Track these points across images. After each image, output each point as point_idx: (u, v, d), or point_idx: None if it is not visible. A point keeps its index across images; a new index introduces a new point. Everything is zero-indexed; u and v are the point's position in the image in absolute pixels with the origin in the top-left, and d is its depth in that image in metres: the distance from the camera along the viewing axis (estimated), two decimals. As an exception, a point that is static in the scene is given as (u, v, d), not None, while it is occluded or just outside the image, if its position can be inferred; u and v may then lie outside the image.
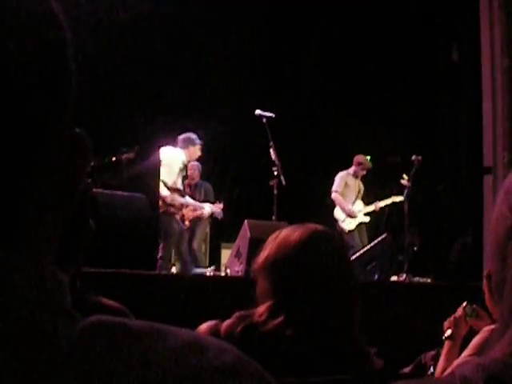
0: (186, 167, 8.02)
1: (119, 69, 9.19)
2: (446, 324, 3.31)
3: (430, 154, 9.77)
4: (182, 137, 7.94)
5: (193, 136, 8.00)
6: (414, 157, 8.33)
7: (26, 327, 0.51)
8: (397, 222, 9.18)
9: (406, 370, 3.16)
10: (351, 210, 9.10)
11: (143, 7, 8.92)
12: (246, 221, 6.68)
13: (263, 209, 8.02)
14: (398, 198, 8.91)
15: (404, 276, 7.72)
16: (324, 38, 10.75)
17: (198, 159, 8.39)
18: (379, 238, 7.96)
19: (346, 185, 9.23)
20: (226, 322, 1.85)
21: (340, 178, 9.20)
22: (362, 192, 9.38)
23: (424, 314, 5.74)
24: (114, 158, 7.14)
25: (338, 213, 9.17)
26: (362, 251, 7.94)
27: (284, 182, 7.34)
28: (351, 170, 9.26)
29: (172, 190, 7.65)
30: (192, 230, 8.77)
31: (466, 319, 3.29)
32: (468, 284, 5.95)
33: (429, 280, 7.97)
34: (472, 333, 3.11)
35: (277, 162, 7.35)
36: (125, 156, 7.23)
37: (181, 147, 7.85)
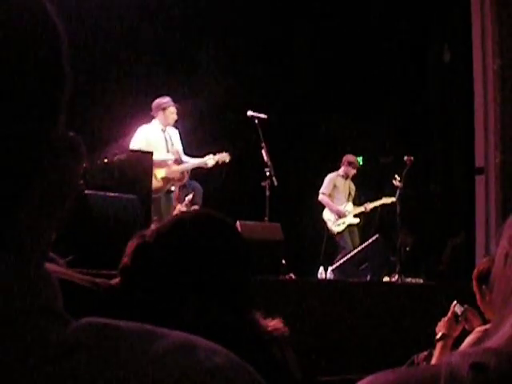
0: (166, 135, 7.52)
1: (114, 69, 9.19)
2: (438, 325, 3.33)
3: (422, 155, 9.79)
4: (152, 105, 7.50)
5: (162, 100, 7.50)
6: (406, 157, 8.34)
7: (16, 329, 0.51)
8: (389, 222, 9.19)
9: (399, 370, 3.16)
10: (339, 209, 9.06)
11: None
12: (237, 222, 6.68)
13: (255, 210, 8.02)
14: (389, 200, 8.91)
15: (396, 276, 7.74)
16: (316, 38, 10.76)
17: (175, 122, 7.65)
18: (371, 239, 7.97)
19: (335, 187, 9.19)
20: None
21: (329, 179, 9.18)
22: (353, 193, 9.35)
23: (416, 314, 5.75)
24: (105, 160, 7.12)
25: (326, 214, 9.15)
26: (354, 252, 7.96)
27: (276, 183, 7.33)
28: (341, 171, 9.24)
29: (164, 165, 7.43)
30: None
31: (459, 319, 3.30)
32: (460, 284, 5.96)
33: (421, 280, 7.99)
34: (465, 334, 3.12)
35: (269, 163, 7.34)
36: (116, 157, 7.21)
37: (154, 117, 7.48)
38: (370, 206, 9.20)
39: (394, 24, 10.38)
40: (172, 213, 7.36)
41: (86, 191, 5.81)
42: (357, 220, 9.17)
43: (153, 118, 7.52)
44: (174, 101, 7.51)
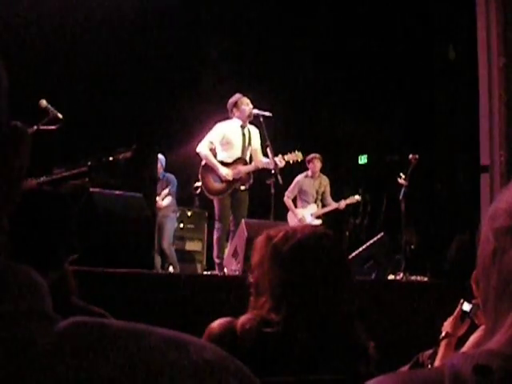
0: (245, 131, 7.54)
1: (119, 68, 9.20)
2: (445, 324, 3.33)
3: (427, 153, 9.78)
4: (227, 108, 7.59)
5: (233, 98, 7.59)
6: (411, 156, 8.33)
7: (2, 332, 0.51)
8: (394, 220, 9.18)
9: (403, 369, 3.17)
10: (299, 216, 9.11)
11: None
12: (243, 220, 6.68)
13: (260, 208, 8.01)
14: (355, 199, 9.08)
15: (401, 275, 7.73)
16: (322, 36, 10.75)
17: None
18: (376, 237, 7.96)
19: (302, 189, 9.27)
20: (242, 319, 1.85)
21: (295, 182, 9.23)
22: (324, 189, 9.33)
23: (421, 312, 5.74)
24: (110, 158, 7.12)
25: (290, 216, 9.19)
26: (359, 250, 7.95)
27: (281, 182, 7.31)
28: (308, 171, 9.26)
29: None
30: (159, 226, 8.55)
31: (468, 316, 3.30)
32: (465, 283, 5.95)
33: (426, 279, 7.98)
34: (470, 332, 3.12)
35: (274, 161, 7.33)
36: (122, 155, 7.20)
37: (232, 115, 7.55)
38: (323, 210, 9.24)
39: (399, 23, 10.36)
40: (245, 211, 7.45)
41: (91, 189, 5.81)
42: (319, 221, 9.19)
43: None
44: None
